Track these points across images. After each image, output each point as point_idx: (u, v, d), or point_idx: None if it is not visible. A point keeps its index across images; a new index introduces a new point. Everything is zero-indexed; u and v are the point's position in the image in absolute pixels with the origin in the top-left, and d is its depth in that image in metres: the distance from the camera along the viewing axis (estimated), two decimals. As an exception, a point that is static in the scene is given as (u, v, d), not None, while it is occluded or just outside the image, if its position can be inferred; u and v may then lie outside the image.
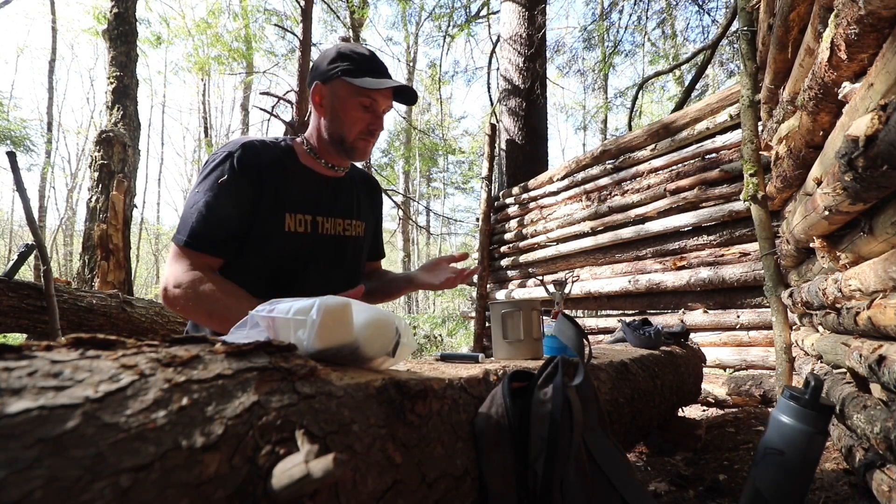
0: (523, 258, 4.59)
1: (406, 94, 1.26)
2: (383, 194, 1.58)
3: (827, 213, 1.12)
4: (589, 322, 3.89)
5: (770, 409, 2.07)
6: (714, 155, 3.01)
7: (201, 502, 0.32)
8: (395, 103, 1.29)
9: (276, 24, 10.45)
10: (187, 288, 1.05)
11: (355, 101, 1.19)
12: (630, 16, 7.44)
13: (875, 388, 1.12)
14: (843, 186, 0.94)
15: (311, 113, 1.28)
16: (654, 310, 3.34)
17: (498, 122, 6.09)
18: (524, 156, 5.65)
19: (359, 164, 1.44)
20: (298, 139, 1.29)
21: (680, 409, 1.98)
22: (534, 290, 4.35)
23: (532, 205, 4.64)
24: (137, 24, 7.05)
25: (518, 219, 4.82)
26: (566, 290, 1.44)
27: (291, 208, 1.19)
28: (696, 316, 2.97)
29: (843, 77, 1.05)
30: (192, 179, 20.65)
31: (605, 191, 3.83)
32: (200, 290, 1.05)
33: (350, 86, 1.18)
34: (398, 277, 1.48)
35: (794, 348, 2.09)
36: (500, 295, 4.77)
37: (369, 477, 0.46)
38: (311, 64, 1.28)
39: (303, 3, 5.90)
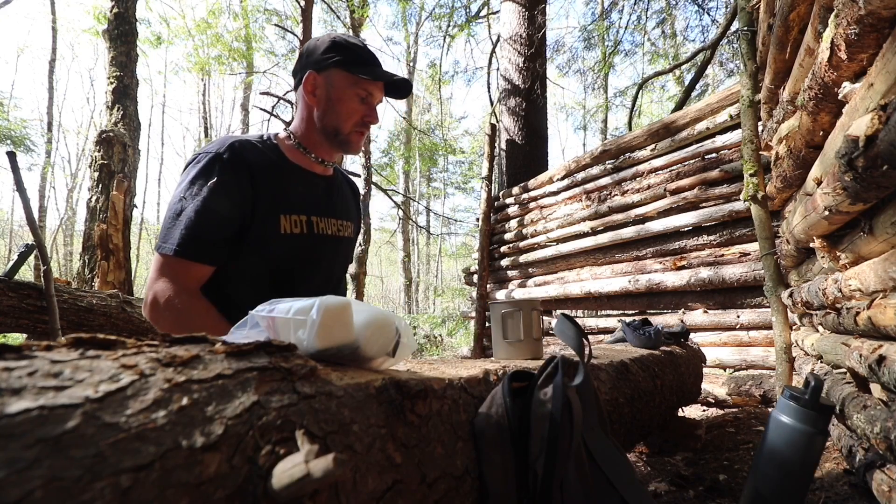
0: (523, 258, 4.59)
1: (398, 89, 1.23)
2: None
3: (827, 213, 1.12)
4: (589, 322, 3.89)
5: (770, 409, 2.06)
6: (714, 155, 3.01)
7: (201, 502, 0.32)
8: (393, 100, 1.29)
9: (276, 24, 10.46)
10: (179, 313, 1.02)
11: (352, 92, 1.16)
12: (630, 15, 7.44)
13: (875, 388, 1.12)
14: (843, 186, 0.94)
15: (299, 104, 1.22)
16: (654, 310, 3.34)
17: (498, 121, 6.09)
18: (524, 156, 5.65)
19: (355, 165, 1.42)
20: (282, 134, 1.25)
21: (680, 409, 1.98)
22: (533, 290, 4.35)
23: (532, 205, 4.64)
24: (137, 24, 7.04)
25: (518, 219, 4.82)
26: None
27: (286, 209, 1.16)
28: (696, 316, 2.97)
29: (843, 77, 1.05)
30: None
31: (606, 191, 3.83)
32: (190, 319, 1.02)
33: (348, 76, 1.15)
34: None
35: (794, 348, 2.09)
36: (500, 295, 4.77)
37: (369, 477, 0.46)
38: (304, 52, 1.22)
39: (303, 3, 5.90)
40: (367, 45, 1.22)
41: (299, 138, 1.22)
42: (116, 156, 6.07)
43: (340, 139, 1.20)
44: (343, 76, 1.15)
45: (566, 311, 1.13)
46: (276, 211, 1.14)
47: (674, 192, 3.17)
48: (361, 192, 7.75)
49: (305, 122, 1.21)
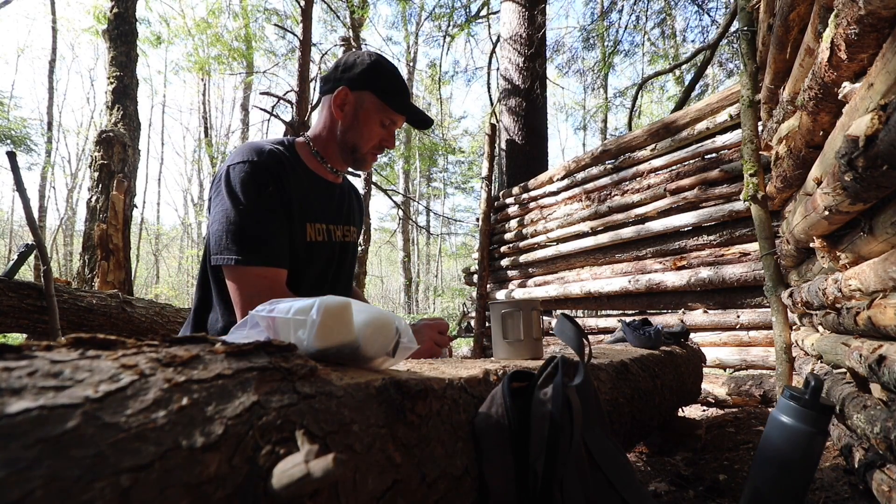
0: (523, 258, 4.58)
1: (422, 121, 1.29)
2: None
3: (827, 213, 1.12)
4: (589, 322, 3.89)
5: (770, 409, 2.06)
6: (714, 155, 3.01)
7: (201, 502, 0.32)
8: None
9: (276, 24, 10.44)
10: None
11: (378, 118, 1.21)
12: (629, 16, 7.45)
13: (875, 388, 1.12)
14: (843, 186, 0.94)
15: (323, 111, 1.24)
16: (654, 310, 3.34)
17: (498, 121, 6.09)
18: (524, 156, 5.65)
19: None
20: (301, 139, 1.27)
21: (680, 409, 1.98)
22: (533, 290, 4.35)
23: (532, 205, 4.63)
24: (137, 23, 7.04)
25: (518, 219, 4.82)
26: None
27: (312, 218, 1.19)
28: (696, 316, 2.97)
29: (843, 77, 1.05)
30: (193, 180, 20.61)
31: (605, 191, 3.83)
32: None
33: (378, 102, 1.19)
34: None
35: (794, 348, 2.09)
36: (500, 295, 4.77)
37: (369, 477, 0.46)
38: (341, 63, 1.22)
39: (303, 3, 5.90)
40: (400, 73, 1.25)
41: (317, 146, 1.26)
42: (116, 156, 6.06)
43: (356, 157, 1.24)
44: (374, 100, 1.19)
45: (566, 311, 1.14)
46: (303, 219, 1.17)
47: (674, 192, 3.17)
48: (361, 192, 7.76)
49: (327, 132, 1.24)
